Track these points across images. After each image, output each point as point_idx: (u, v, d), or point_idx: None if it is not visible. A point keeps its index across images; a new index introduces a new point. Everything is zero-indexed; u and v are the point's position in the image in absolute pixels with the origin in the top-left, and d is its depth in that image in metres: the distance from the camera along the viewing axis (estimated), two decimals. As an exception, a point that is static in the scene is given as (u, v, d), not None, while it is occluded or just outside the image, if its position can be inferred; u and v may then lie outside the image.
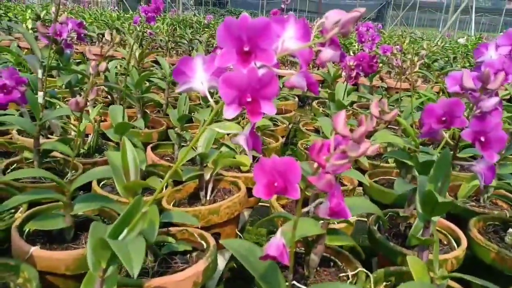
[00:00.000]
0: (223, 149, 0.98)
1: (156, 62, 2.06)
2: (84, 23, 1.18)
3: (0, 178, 0.61)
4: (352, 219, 0.72)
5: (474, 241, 0.74)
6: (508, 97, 1.37)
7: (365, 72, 1.19)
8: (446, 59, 3.10)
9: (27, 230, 0.63)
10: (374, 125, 0.47)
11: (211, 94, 0.39)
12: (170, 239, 0.61)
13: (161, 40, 2.92)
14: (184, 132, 1.02)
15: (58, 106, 1.06)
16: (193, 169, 0.80)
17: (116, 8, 7.35)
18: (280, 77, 0.39)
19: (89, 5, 7.38)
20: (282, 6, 1.57)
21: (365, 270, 0.60)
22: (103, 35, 3.09)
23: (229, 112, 0.34)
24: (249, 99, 0.34)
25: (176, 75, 0.39)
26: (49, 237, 0.65)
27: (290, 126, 1.62)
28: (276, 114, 1.50)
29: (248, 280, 0.64)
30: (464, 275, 0.52)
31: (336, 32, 0.35)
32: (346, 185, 0.95)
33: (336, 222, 0.68)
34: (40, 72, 1.05)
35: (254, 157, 1.07)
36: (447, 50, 4.11)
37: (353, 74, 1.15)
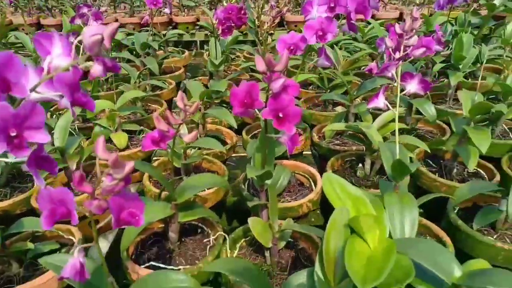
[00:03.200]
0: (96, 129, 0.96)
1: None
2: None
3: None
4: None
5: (330, 181, 0.82)
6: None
7: (236, 25, 1.19)
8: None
9: None
10: (185, 116, 0.50)
11: None
12: (30, 244, 0.62)
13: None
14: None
15: None
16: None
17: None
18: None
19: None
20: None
21: (223, 233, 0.65)
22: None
23: (-9, 152, 0.34)
24: (13, 134, 0.34)
25: None
26: None
27: (185, 82, 1.61)
28: (164, 74, 1.47)
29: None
30: (296, 226, 0.59)
31: (94, 57, 0.35)
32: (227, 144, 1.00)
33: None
34: None
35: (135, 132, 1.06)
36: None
37: (222, 28, 1.15)
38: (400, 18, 2.55)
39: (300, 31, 0.70)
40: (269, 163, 0.57)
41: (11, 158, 0.40)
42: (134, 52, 1.38)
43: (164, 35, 1.62)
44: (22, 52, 1.55)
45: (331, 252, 0.40)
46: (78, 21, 1.08)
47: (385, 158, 0.62)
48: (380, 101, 0.62)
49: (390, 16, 2.52)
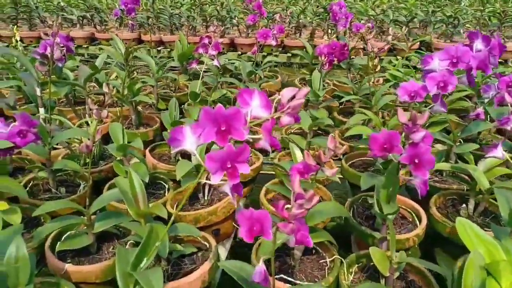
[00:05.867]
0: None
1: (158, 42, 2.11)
2: (69, 38, 1.24)
3: (34, 213, 0.73)
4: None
5: (433, 218, 0.87)
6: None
7: (338, 59, 1.28)
8: (426, 10, 3.13)
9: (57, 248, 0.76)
10: (331, 155, 0.59)
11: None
12: (179, 246, 0.74)
13: (141, 16, 2.89)
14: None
15: (58, 121, 1.15)
16: (190, 174, 0.91)
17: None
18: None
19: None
20: None
21: (339, 257, 0.73)
22: (83, 17, 3.07)
23: (216, 178, 0.45)
24: (229, 165, 0.45)
25: (171, 141, 0.49)
26: (76, 251, 0.77)
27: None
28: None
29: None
30: (413, 259, 0.65)
31: (288, 112, 0.45)
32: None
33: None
34: (38, 90, 1.14)
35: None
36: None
37: (326, 62, 1.24)
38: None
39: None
40: (393, 200, 0.64)
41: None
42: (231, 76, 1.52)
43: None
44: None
45: (468, 286, 0.46)
46: (201, 50, 1.23)
47: (501, 204, 0.67)
48: (499, 152, 0.67)
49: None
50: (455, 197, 0.95)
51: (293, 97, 0.47)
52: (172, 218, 0.52)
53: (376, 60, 1.06)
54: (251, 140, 0.47)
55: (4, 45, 2.79)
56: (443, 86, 0.71)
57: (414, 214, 0.89)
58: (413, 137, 0.54)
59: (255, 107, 0.48)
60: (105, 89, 0.64)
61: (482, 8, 3.08)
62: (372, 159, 1.15)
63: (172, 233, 0.72)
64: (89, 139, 0.67)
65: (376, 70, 1.06)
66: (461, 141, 1.08)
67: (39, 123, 0.89)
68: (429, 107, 0.79)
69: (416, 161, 0.55)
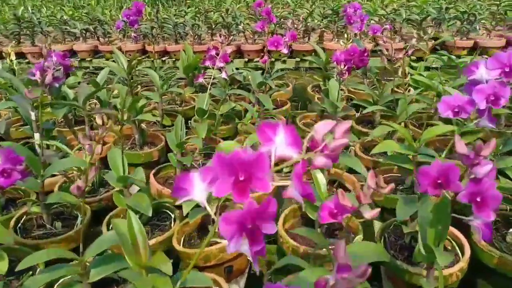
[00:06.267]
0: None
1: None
2: (67, 56, 1.15)
3: (17, 267, 0.63)
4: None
5: (477, 247, 0.76)
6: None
7: (357, 66, 1.17)
8: (438, 7, 3.00)
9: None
10: (371, 195, 0.48)
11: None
12: (188, 296, 0.64)
13: (145, 27, 2.81)
14: (183, 157, 1.03)
15: (55, 146, 1.06)
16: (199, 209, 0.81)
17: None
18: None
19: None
20: None
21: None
22: (86, 30, 3.00)
23: (232, 246, 0.35)
24: (249, 227, 0.35)
25: (177, 191, 0.39)
26: (72, 302, 0.68)
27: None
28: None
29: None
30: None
31: (326, 154, 0.35)
32: (350, 190, 0.98)
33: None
34: (33, 114, 1.05)
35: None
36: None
37: (345, 69, 1.13)
38: (507, 47, 2.37)
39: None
40: (443, 240, 0.53)
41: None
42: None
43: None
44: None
45: None
46: (208, 63, 1.13)
47: None
48: None
49: (495, 45, 2.37)
50: (498, 219, 0.84)
51: (329, 132, 0.37)
52: (180, 282, 0.41)
53: (406, 68, 0.95)
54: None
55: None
56: (494, 100, 0.60)
57: (454, 242, 0.78)
58: (476, 171, 0.43)
59: (280, 144, 0.37)
60: (98, 121, 0.54)
61: (498, 2, 2.95)
62: (399, 175, 1.04)
63: (181, 285, 0.61)
64: (80, 179, 0.58)
65: (407, 78, 0.95)
66: (498, 154, 0.96)
67: (27, 156, 0.80)
68: (475, 121, 0.68)
69: (478, 199, 0.44)
